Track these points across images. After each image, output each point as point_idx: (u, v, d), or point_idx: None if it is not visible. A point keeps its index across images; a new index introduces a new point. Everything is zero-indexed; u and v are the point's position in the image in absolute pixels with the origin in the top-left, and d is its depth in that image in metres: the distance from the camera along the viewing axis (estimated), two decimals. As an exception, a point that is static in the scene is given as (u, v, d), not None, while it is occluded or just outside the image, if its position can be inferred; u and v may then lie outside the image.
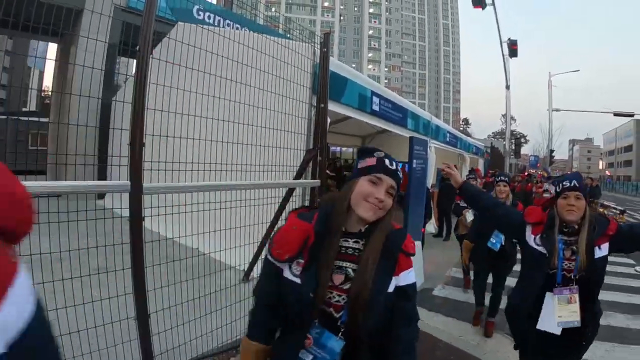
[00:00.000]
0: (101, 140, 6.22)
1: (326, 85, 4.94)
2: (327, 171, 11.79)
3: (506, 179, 5.07)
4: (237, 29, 10.83)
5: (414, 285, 1.68)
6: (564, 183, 2.68)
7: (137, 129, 2.65)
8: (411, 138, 6.16)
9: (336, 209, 1.61)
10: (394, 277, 1.62)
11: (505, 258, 5.03)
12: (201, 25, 3.99)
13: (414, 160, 6.19)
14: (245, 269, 5.03)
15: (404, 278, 1.64)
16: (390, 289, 1.60)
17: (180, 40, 3.41)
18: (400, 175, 1.64)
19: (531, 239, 2.76)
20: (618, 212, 12.61)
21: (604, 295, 6.66)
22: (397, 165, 1.64)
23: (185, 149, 3.74)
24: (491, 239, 4.84)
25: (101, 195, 7.60)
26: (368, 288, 1.50)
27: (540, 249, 2.66)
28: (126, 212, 2.88)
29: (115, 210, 3.20)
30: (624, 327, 5.63)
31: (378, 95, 7.18)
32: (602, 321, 5.49)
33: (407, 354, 1.61)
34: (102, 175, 4.37)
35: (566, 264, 2.60)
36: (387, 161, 1.61)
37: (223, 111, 3.88)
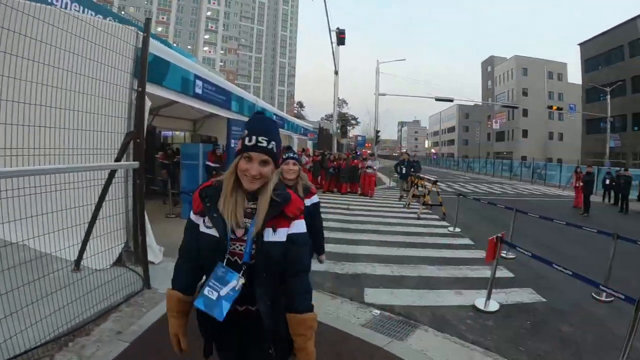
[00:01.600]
0: None
1: (145, 68, 5.09)
2: (161, 159, 11.75)
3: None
4: (65, 5, 10.06)
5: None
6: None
7: None
8: (228, 120, 6.54)
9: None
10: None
11: None
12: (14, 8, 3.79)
13: (232, 140, 6.49)
14: (75, 259, 4.96)
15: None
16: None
17: None
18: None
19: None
20: (432, 182, 14.35)
21: (420, 252, 7.99)
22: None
23: (3, 134, 3.57)
24: None
25: None
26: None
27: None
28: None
29: None
30: (434, 276, 6.68)
31: (201, 79, 7.43)
32: (415, 273, 6.72)
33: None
34: None
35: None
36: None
37: (42, 96, 3.79)
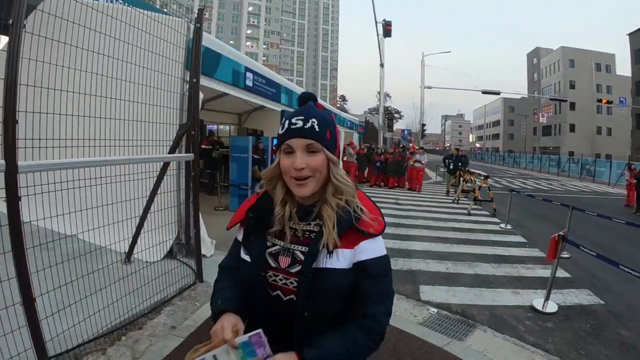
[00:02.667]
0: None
1: (199, 60, 5.01)
2: (205, 145, 11.81)
3: None
4: (111, 1, 10.22)
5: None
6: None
7: (10, 106, 2.55)
8: (282, 112, 6.44)
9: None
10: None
11: None
12: None
13: None
14: (127, 250, 4.99)
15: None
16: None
17: (51, 13, 3.23)
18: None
19: None
20: (482, 177, 13.97)
21: (473, 249, 7.67)
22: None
23: (59, 125, 3.56)
24: None
25: None
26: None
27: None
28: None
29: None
30: (490, 274, 6.47)
31: (251, 71, 7.36)
32: (470, 270, 6.47)
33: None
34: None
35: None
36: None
37: (97, 86, 3.78)
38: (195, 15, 5.01)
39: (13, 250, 2.65)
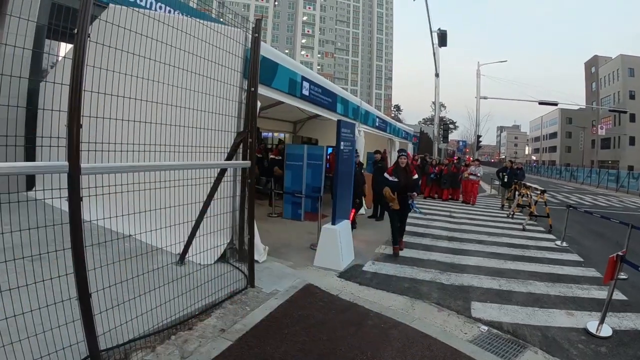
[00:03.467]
0: (28, 124, 6.05)
1: (257, 69, 5.10)
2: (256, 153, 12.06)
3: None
4: (169, 12, 10.62)
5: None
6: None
7: (75, 111, 2.66)
8: (338, 121, 6.42)
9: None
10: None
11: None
12: (133, 8, 3.95)
13: (342, 142, 6.45)
14: (180, 252, 5.13)
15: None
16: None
17: (113, 22, 3.37)
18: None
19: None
20: (539, 192, 13.51)
21: (527, 266, 7.54)
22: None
23: (120, 130, 3.68)
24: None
25: (30, 186, 7.31)
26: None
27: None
28: (57, 202, 2.90)
29: (46, 201, 3.14)
30: (544, 293, 6.24)
31: (308, 80, 7.42)
32: (523, 288, 6.38)
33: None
34: (30, 160, 4.31)
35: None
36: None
37: (156, 93, 3.90)
38: (253, 25, 5.11)
39: (72, 247, 2.78)
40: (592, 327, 4.96)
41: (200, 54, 4.35)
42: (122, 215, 3.45)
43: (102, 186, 3.24)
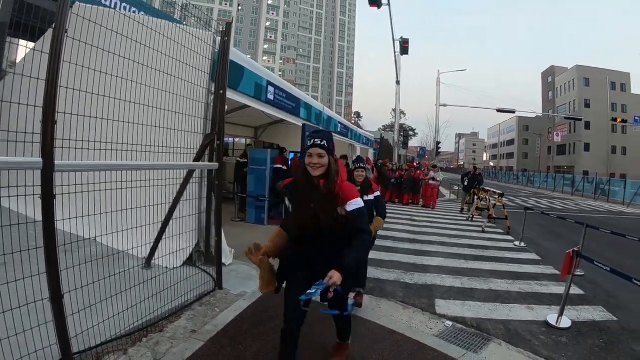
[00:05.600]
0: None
1: (226, 72, 5.16)
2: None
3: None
4: (134, 12, 10.45)
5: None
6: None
7: (50, 106, 2.64)
8: (304, 125, 6.53)
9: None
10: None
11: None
12: (99, 7, 3.91)
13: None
14: (147, 256, 5.05)
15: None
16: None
17: (85, 17, 3.27)
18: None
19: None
20: (497, 195, 13.97)
21: (488, 265, 7.77)
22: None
23: (87, 128, 3.59)
24: None
25: None
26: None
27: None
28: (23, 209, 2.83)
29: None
30: (504, 290, 6.52)
31: (273, 85, 7.49)
32: (485, 286, 6.57)
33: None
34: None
35: None
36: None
37: (125, 92, 3.82)
38: (223, 29, 5.16)
39: (45, 246, 2.75)
40: (552, 319, 5.24)
41: (169, 54, 4.34)
42: (86, 217, 3.35)
43: (62, 185, 3.10)
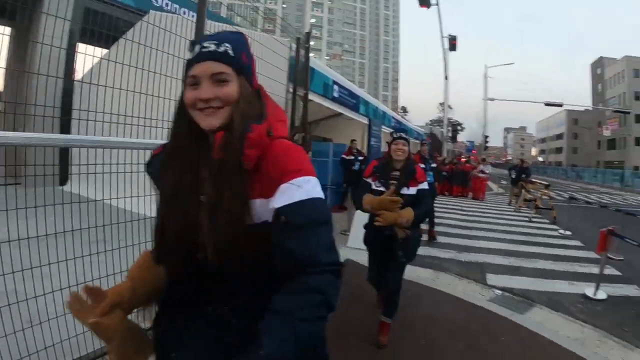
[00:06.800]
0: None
1: (308, 74, 5.96)
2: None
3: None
4: (193, 17, 11.07)
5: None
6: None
7: None
8: (370, 119, 7.11)
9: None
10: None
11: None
12: (172, 13, 4.29)
13: (372, 139, 7.10)
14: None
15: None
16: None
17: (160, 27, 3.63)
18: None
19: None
20: (543, 186, 14.26)
21: (534, 249, 8.52)
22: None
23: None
24: None
25: (63, 180, 7.16)
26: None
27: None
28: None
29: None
30: (548, 268, 7.09)
31: (338, 84, 8.17)
32: (531, 265, 7.28)
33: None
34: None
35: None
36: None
37: None
38: (304, 37, 5.94)
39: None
40: (589, 292, 5.80)
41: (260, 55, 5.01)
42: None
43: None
